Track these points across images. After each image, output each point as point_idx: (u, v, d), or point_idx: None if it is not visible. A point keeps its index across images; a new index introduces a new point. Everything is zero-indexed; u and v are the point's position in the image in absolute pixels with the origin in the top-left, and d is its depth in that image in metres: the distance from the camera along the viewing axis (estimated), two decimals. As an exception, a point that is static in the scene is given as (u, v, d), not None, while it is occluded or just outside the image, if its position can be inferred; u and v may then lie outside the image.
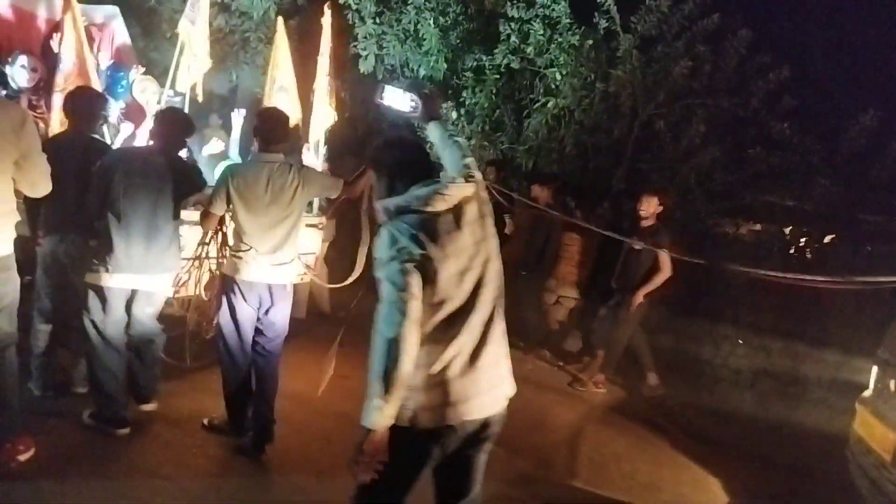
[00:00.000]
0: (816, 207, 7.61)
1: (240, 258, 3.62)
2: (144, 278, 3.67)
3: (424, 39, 8.00)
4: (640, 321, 6.03)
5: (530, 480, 4.14)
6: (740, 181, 7.98)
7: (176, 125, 3.89)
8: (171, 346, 4.60)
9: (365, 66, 8.22)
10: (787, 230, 8.02)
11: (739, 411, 5.70)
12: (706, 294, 7.51)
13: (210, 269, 4.19)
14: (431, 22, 7.93)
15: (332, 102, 6.23)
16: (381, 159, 2.24)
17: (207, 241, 4.03)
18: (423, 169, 2.19)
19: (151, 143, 4.01)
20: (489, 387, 2.10)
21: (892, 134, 7.07)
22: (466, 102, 8.15)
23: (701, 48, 7.98)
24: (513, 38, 8.02)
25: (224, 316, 3.75)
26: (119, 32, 6.10)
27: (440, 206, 2.05)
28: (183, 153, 5.63)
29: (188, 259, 4.19)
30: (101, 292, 3.60)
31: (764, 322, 6.99)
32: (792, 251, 8.01)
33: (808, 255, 7.64)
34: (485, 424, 2.12)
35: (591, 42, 8.01)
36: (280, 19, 6.31)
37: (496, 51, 8.05)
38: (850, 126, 7.31)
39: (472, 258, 2.09)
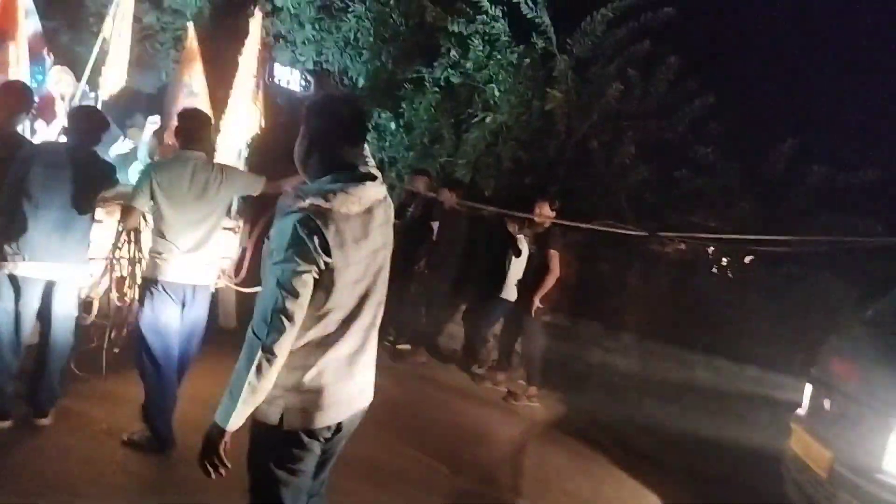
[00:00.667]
0: (737, 229, 7.97)
1: (162, 259, 3.59)
2: (61, 267, 3.63)
3: (364, 49, 7.91)
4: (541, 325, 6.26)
5: (473, 497, 4.11)
6: (667, 202, 8.30)
7: (90, 121, 3.89)
8: (84, 356, 4.32)
9: (302, 73, 8.05)
10: (710, 250, 8.37)
11: (669, 426, 5.84)
12: (631, 309, 7.74)
13: (126, 273, 4.00)
14: (371, 31, 7.85)
15: (259, 105, 6.00)
16: (309, 120, 2.07)
17: (120, 244, 3.86)
18: (347, 147, 2.04)
19: (65, 138, 4.02)
20: (358, 392, 2.12)
21: (809, 160, 7.51)
22: (405, 114, 8.10)
23: (632, 72, 8.26)
24: (452, 53, 8.06)
25: (146, 321, 3.64)
26: (31, 20, 5.75)
27: (354, 208, 1.95)
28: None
29: (99, 259, 4.05)
30: (15, 281, 3.54)
31: (687, 336, 7.25)
32: (714, 270, 8.38)
33: (730, 275, 8.00)
34: (340, 426, 2.10)
35: (528, 61, 8.15)
36: (191, 25, 6.15)
37: (436, 64, 8.06)
38: (770, 152, 7.72)
39: (368, 266, 2.03)
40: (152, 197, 3.54)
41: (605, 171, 8.20)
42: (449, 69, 8.08)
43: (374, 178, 2.03)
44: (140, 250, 3.85)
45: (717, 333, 7.22)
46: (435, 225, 6.85)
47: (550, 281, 5.96)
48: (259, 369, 1.83)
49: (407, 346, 6.82)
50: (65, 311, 3.74)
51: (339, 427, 2.08)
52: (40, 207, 3.50)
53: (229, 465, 1.92)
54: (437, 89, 8.07)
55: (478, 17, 8.03)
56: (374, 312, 2.09)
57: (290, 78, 5.95)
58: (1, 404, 3.59)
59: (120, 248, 3.87)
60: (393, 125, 8.04)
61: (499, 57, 8.09)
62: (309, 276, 1.86)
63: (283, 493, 2.02)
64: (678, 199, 8.33)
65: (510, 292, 6.48)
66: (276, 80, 6.17)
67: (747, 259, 8.04)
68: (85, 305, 4.41)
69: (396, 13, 7.89)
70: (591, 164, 8.21)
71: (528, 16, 8.06)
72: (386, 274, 2.12)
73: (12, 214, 3.49)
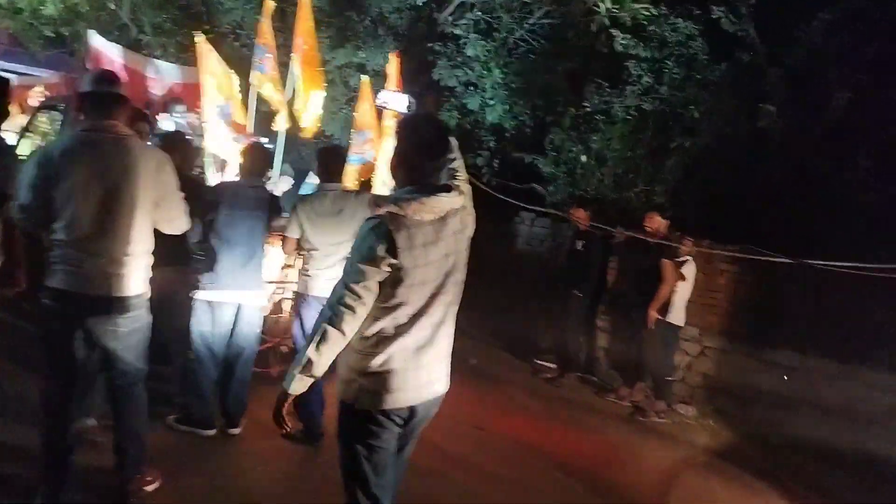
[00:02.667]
0: None
1: (310, 276, 4.04)
2: (246, 292, 4.06)
3: (550, 86, 7.85)
4: (662, 336, 5.99)
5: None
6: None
7: (259, 159, 4.35)
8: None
9: (492, 115, 8.20)
10: None
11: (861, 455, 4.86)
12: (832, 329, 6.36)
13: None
14: (558, 68, 7.79)
15: None
16: (397, 137, 2.32)
17: (291, 263, 4.55)
18: (426, 161, 2.21)
19: (239, 177, 4.54)
20: (427, 382, 2.28)
21: None
22: (595, 146, 7.81)
23: (861, 77, 7.19)
24: (644, 79, 7.68)
25: (296, 331, 4.14)
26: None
27: (427, 216, 2.14)
28: None
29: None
30: (210, 306, 3.99)
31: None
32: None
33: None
34: (413, 411, 2.28)
35: (731, 78, 7.48)
36: (365, 77, 6.52)
37: (626, 92, 7.73)
38: None
39: (439, 269, 2.20)
40: (301, 226, 4.00)
41: (836, 191, 7.09)
42: (641, 95, 7.70)
43: (448, 189, 2.20)
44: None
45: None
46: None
47: (665, 291, 5.84)
48: (317, 347, 2.12)
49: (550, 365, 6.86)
50: (250, 330, 4.15)
51: (413, 412, 2.27)
52: (228, 242, 3.95)
53: (291, 424, 2.30)
54: (628, 117, 7.70)
55: (671, 39, 7.62)
56: (444, 311, 2.26)
57: (395, 100, 5.87)
58: (207, 415, 4.03)
59: (291, 266, 4.29)
60: (584, 158, 7.79)
61: (698, 77, 7.56)
62: (372, 274, 2.09)
63: (364, 466, 2.24)
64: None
65: (675, 316, 6.00)
66: (385, 105, 6.11)
67: None
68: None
69: (581, 45, 7.76)
70: (817, 184, 7.15)
71: (730, 30, 7.47)
72: (459, 277, 2.29)
73: (205, 251, 3.99)
